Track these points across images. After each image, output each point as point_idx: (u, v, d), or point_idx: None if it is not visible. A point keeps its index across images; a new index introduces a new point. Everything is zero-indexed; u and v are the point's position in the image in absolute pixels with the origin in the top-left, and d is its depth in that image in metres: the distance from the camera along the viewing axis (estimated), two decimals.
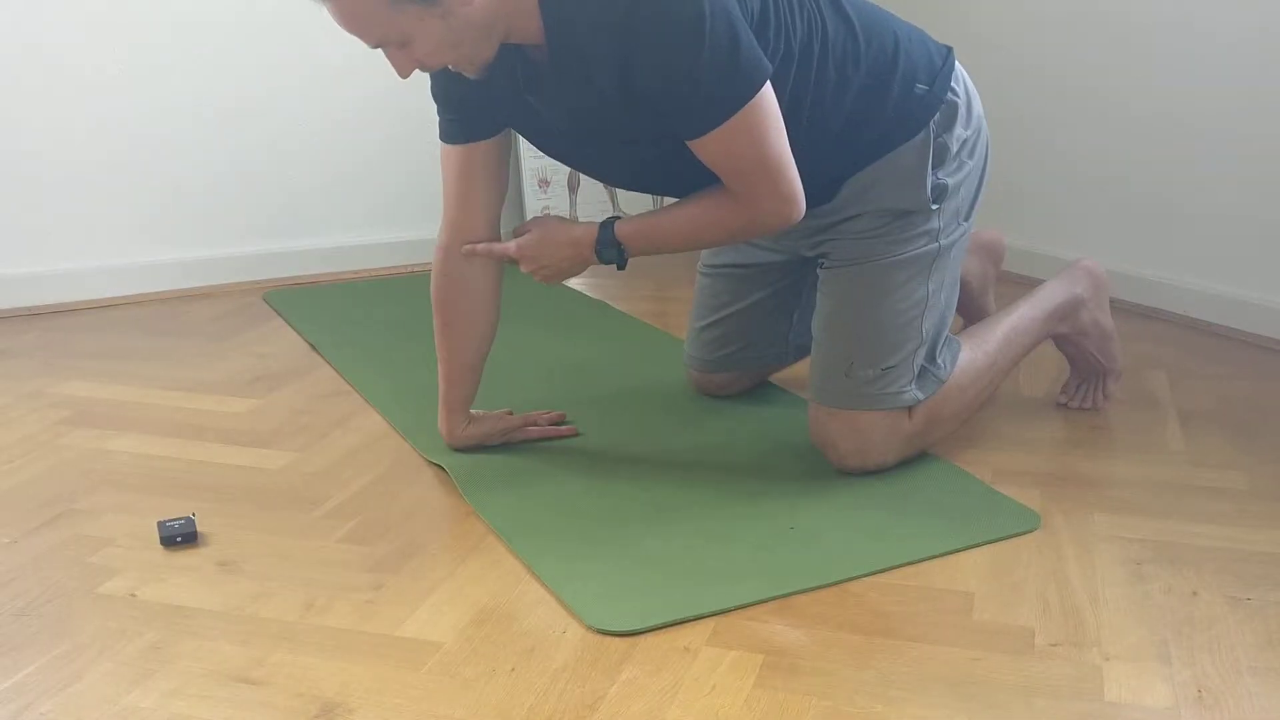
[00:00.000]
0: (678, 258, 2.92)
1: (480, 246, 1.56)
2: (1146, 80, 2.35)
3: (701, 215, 1.44)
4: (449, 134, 1.54)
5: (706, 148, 1.35)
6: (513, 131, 1.56)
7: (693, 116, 1.33)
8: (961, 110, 1.53)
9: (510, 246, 1.53)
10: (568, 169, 2.96)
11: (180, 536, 1.40)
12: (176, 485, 1.59)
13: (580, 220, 1.47)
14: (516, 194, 2.99)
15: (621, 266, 1.49)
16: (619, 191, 3.06)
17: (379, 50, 1.32)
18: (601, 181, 1.71)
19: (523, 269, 1.53)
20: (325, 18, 1.29)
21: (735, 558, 1.34)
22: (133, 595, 1.28)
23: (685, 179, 1.45)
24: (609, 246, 1.47)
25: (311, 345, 2.24)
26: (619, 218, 1.49)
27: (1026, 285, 1.81)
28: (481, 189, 1.55)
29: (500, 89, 1.44)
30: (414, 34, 1.28)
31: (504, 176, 1.59)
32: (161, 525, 1.41)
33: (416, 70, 1.35)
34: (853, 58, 1.45)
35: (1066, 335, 1.78)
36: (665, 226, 1.47)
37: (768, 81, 1.33)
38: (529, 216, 2.96)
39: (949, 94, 1.52)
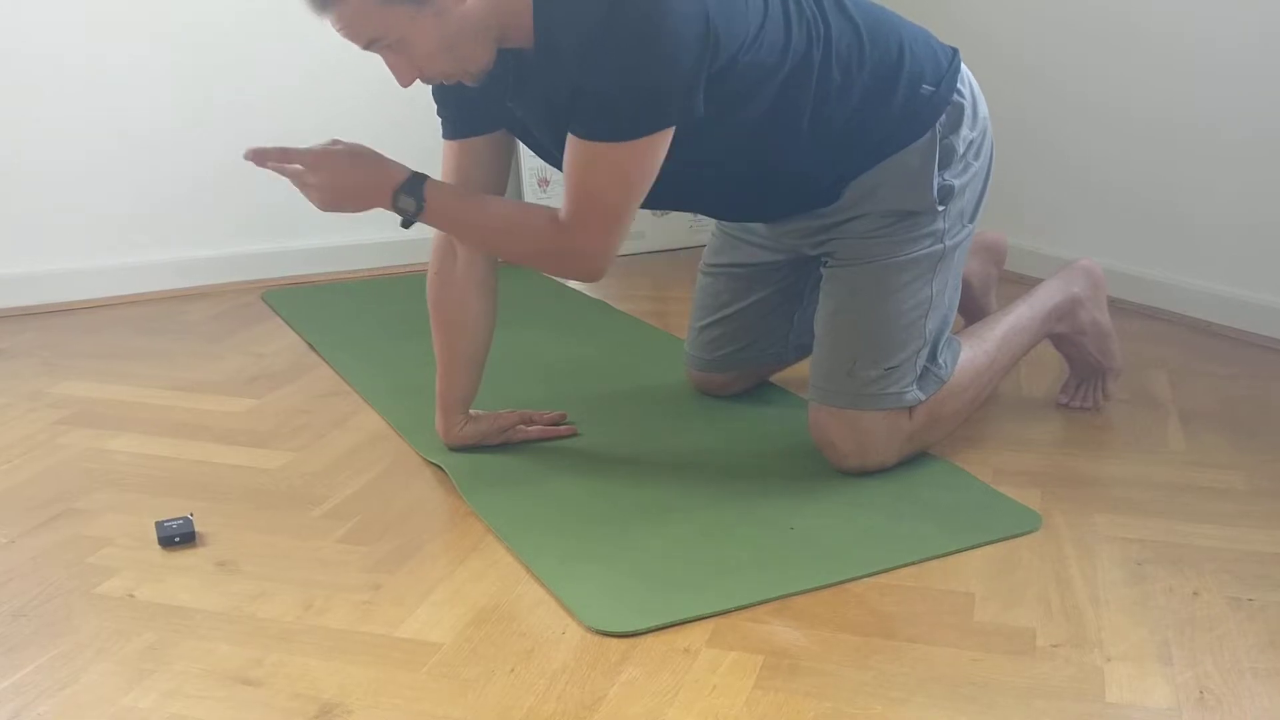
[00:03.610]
0: (678, 258, 2.92)
1: (271, 149, 1.38)
2: (1148, 82, 2.35)
3: (518, 221, 1.43)
4: (445, 130, 1.55)
5: (572, 152, 1.34)
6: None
7: (585, 115, 1.32)
8: (967, 112, 1.53)
9: (305, 151, 1.38)
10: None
11: (178, 537, 1.39)
12: (175, 485, 1.58)
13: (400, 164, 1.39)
14: (516, 194, 2.99)
15: (407, 225, 1.42)
16: None
17: (371, 54, 1.32)
18: None
19: (304, 179, 1.38)
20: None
21: (735, 558, 1.34)
22: (131, 595, 1.28)
23: (670, 192, 1.44)
24: (409, 195, 1.38)
25: (310, 345, 2.24)
26: (429, 179, 1.41)
27: (1028, 285, 1.80)
28: (475, 186, 1.55)
29: (487, 95, 1.44)
30: (408, 35, 1.28)
31: (501, 173, 1.58)
32: (160, 525, 1.41)
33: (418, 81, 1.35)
34: (857, 59, 1.45)
35: (1065, 335, 1.77)
36: (474, 213, 1.43)
37: (667, 131, 1.32)
38: None
39: (955, 95, 1.51)
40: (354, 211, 1.41)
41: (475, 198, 1.47)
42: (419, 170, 1.41)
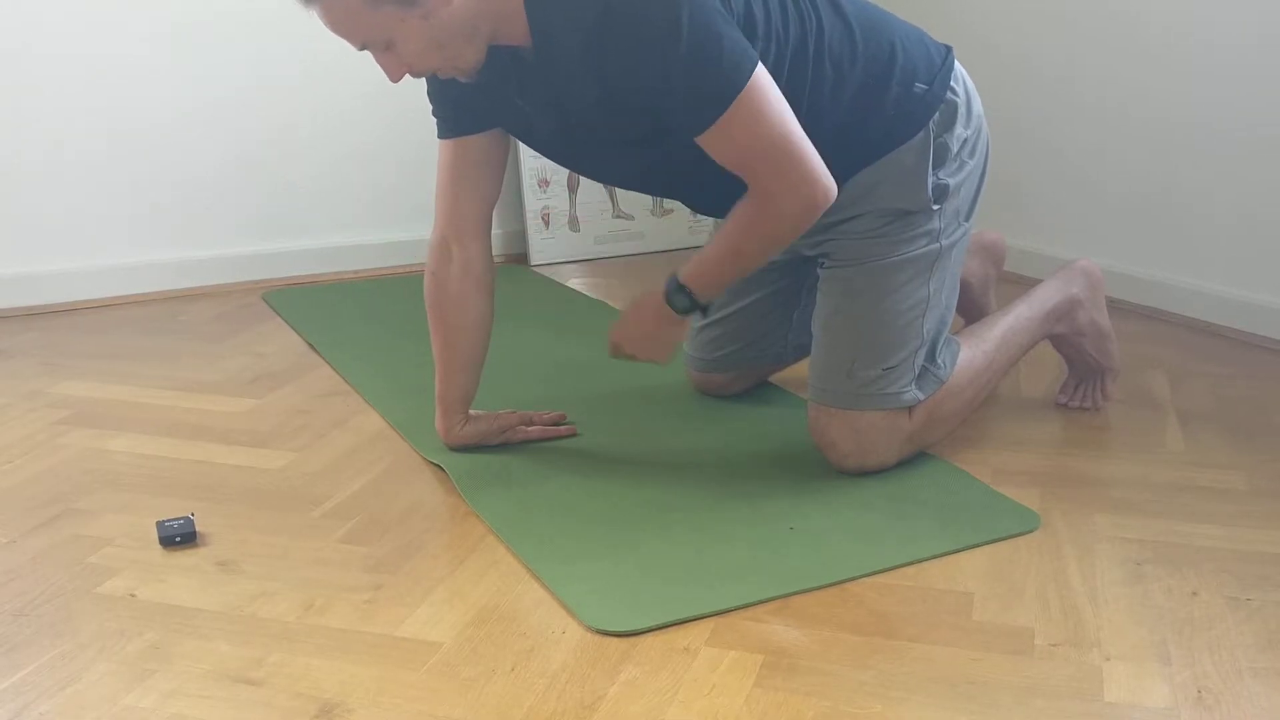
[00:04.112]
0: (678, 258, 2.92)
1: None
2: (1146, 82, 2.35)
3: (735, 229, 1.42)
4: (441, 130, 1.56)
5: (711, 144, 1.35)
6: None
7: (688, 114, 1.33)
8: (961, 110, 1.53)
9: (611, 339, 1.56)
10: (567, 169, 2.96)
11: (179, 536, 1.40)
12: (175, 485, 1.59)
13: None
14: (517, 194, 2.99)
15: (705, 312, 1.51)
16: (618, 191, 3.06)
17: (368, 53, 1.33)
18: (597, 182, 1.72)
19: (626, 352, 1.56)
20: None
21: (735, 558, 1.34)
22: (132, 595, 1.28)
23: (675, 180, 1.45)
24: (676, 292, 1.47)
25: (310, 345, 2.24)
26: (679, 271, 1.48)
27: (1026, 285, 1.81)
28: (471, 185, 1.55)
29: (494, 92, 1.44)
30: (396, 36, 1.29)
31: (497, 173, 1.58)
32: (160, 525, 1.41)
33: (408, 76, 1.35)
34: (849, 56, 1.45)
35: (1064, 335, 1.78)
36: (712, 253, 1.45)
37: (759, 66, 1.32)
38: (529, 216, 2.97)
39: (949, 93, 1.51)
40: (676, 340, 1.53)
41: (706, 247, 1.46)
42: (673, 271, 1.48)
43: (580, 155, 1.53)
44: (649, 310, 1.51)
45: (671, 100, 1.31)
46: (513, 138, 1.57)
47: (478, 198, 1.57)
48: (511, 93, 1.44)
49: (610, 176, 1.62)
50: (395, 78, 1.35)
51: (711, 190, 1.63)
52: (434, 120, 1.56)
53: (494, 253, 1.64)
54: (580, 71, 1.33)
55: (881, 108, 1.48)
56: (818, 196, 1.37)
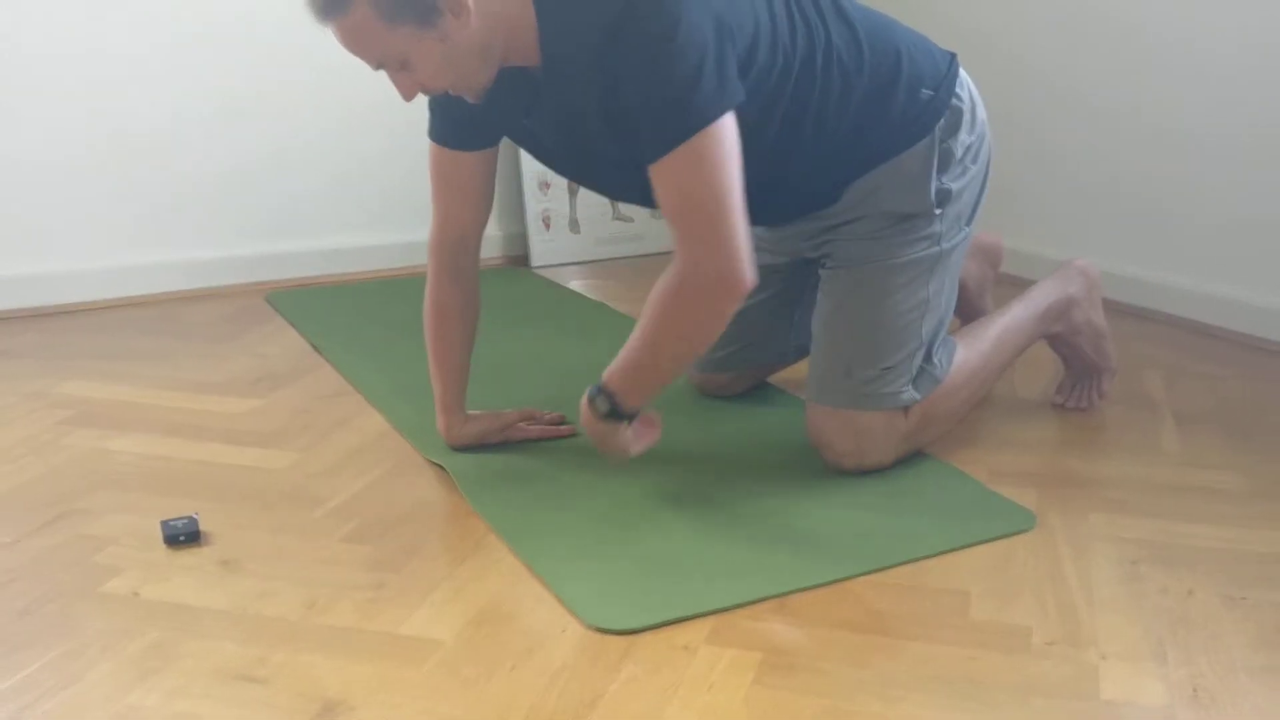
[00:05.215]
0: None
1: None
2: (1142, 84, 2.36)
3: (650, 316, 1.36)
4: (431, 130, 1.56)
5: (658, 179, 1.31)
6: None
7: (649, 139, 1.30)
8: (966, 115, 1.54)
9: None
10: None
11: (183, 536, 1.41)
12: (179, 485, 1.59)
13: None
14: (517, 195, 3.00)
15: (627, 417, 1.42)
16: None
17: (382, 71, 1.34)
18: (605, 196, 1.73)
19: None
20: None
21: (734, 557, 1.35)
22: (135, 594, 1.29)
23: None
24: (597, 396, 1.42)
25: (313, 346, 2.25)
26: (605, 375, 1.43)
27: (1023, 287, 1.81)
28: (461, 194, 1.57)
29: (502, 110, 1.45)
30: (412, 56, 1.30)
31: (487, 185, 1.60)
32: (164, 525, 1.42)
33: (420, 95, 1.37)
34: (856, 64, 1.46)
35: (1060, 335, 1.78)
36: (630, 351, 1.40)
37: (729, 116, 1.28)
38: (530, 218, 2.98)
39: (954, 99, 1.52)
40: (618, 443, 1.45)
41: (631, 342, 1.40)
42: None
43: (587, 171, 1.54)
44: (585, 408, 1.45)
45: (642, 121, 1.29)
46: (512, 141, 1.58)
47: (469, 204, 1.59)
48: (520, 111, 1.45)
49: (617, 193, 1.63)
50: (408, 96, 1.36)
51: None
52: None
53: (495, 255, 1.66)
54: (585, 92, 1.34)
55: (888, 114, 1.49)
56: (737, 276, 1.30)
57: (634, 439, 1.46)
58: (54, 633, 1.21)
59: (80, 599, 1.28)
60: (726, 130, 1.29)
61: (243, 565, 1.36)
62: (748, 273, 1.31)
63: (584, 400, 1.44)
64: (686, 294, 1.33)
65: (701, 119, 1.27)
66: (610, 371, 1.42)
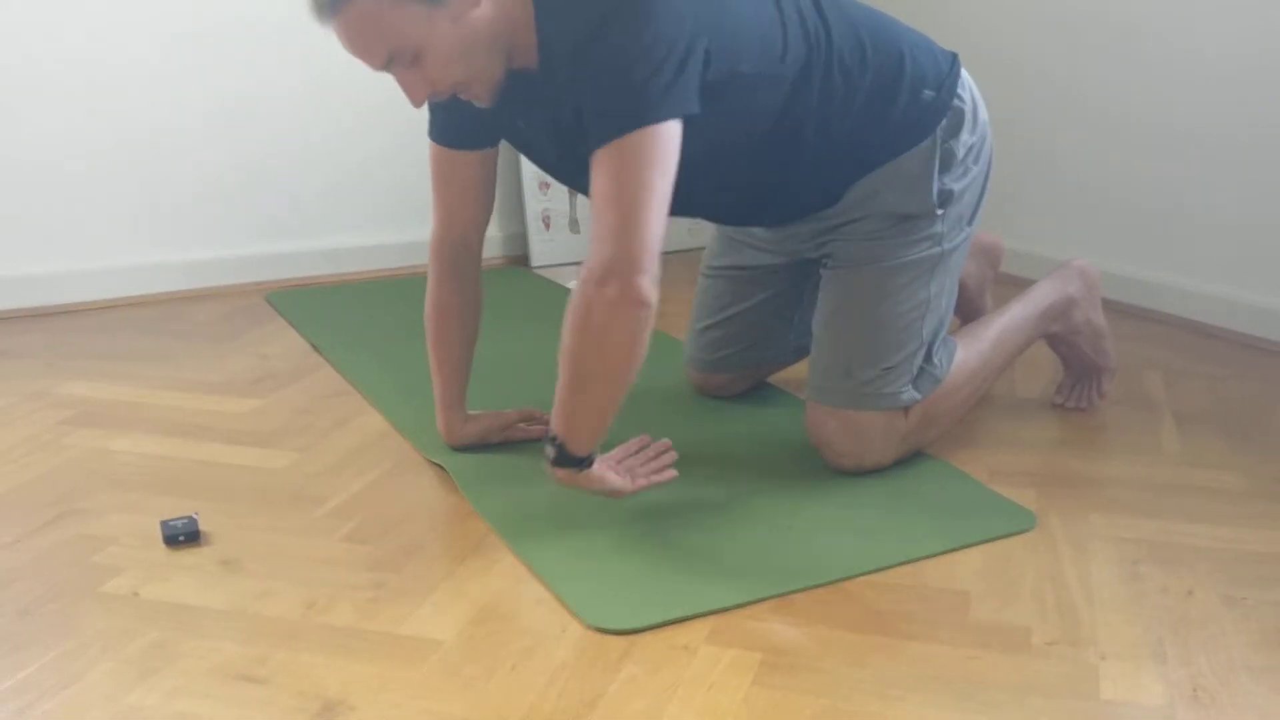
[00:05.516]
0: (677, 260, 2.93)
1: None
2: (1142, 84, 2.36)
3: (565, 347, 1.32)
4: (434, 131, 1.55)
5: (594, 167, 1.27)
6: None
7: (591, 130, 1.26)
8: (968, 116, 1.54)
9: None
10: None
11: (183, 535, 1.41)
12: (179, 485, 1.60)
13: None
14: (517, 195, 3.00)
15: (580, 462, 1.37)
16: None
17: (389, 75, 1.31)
18: None
19: None
20: None
21: (734, 556, 1.35)
22: (135, 594, 1.29)
23: (676, 200, 1.44)
24: (548, 443, 1.37)
25: (313, 346, 2.25)
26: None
27: (1023, 287, 1.82)
28: (461, 192, 1.57)
29: (499, 112, 1.44)
30: (424, 41, 1.26)
31: (488, 184, 1.59)
32: (164, 525, 1.42)
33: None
34: (859, 65, 1.46)
35: (1059, 334, 1.78)
36: (559, 389, 1.35)
37: (676, 124, 1.25)
38: (530, 218, 2.98)
39: (955, 100, 1.53)
40: (597, 488, 1.40)
41: (558, 382, 1.35)
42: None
43: (579, 176, 1.54)
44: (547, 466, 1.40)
45: (593, 113, 1.26)
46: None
47: (470, 204, 1.59)
48: (516, 114, 1.44)
49: None
50: (419, 98, 1.31)
51: (708, 210, 1.65)
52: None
53: (495, 255, 1.65)
54: (570, 92, 1.32)
55: (890, 114, 1.49)
56: (635, 280, 1.23)
57: (610, 475, 1.40)
58: (54, 633, 1.21)
59: (80, 599, 1.28)
60: (668, 136, 1.25)
61: (243, 565, 1.36)
62: (645, 281, 1.24)
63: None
64: (589, 296, 1.26)
65: (647, 117, 1.23)
66: (553, 415, 1.36)
